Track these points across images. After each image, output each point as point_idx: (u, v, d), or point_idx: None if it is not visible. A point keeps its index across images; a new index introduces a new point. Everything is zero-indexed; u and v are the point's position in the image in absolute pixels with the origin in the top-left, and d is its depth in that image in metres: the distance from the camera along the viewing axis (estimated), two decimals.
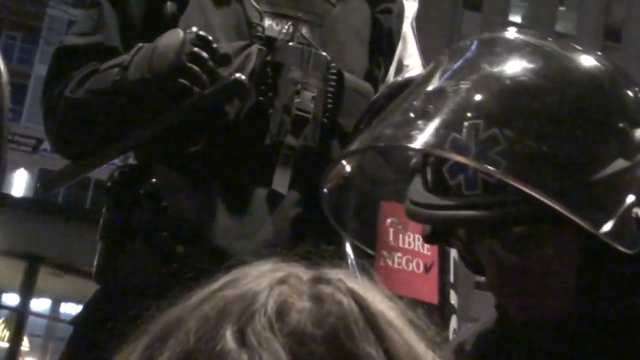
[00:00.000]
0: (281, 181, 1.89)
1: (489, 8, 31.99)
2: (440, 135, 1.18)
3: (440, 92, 1.25)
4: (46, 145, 31.67)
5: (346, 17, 2.09)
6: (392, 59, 2.12)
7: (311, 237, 1.85)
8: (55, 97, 1.95)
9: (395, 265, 1.74)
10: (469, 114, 1.18)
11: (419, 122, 1.22)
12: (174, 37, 1.80)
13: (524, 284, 1.27)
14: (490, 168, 1.13)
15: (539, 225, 1.23)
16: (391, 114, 1.30)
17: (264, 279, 0.79)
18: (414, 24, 2.20)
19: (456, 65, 1.29)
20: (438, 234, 1.37)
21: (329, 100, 1.95)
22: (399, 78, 2.00)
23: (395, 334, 0.77)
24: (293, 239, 1.87)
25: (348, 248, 1.62)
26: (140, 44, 1.86)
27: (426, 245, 1.75)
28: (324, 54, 1.96)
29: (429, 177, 1.30)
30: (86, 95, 1.89)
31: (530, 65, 1.22)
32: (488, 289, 1.32)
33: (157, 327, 0.78)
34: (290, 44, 1.95)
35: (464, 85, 1.23)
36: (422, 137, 1.19)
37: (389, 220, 1.74)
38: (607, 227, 1.13)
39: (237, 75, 1.79)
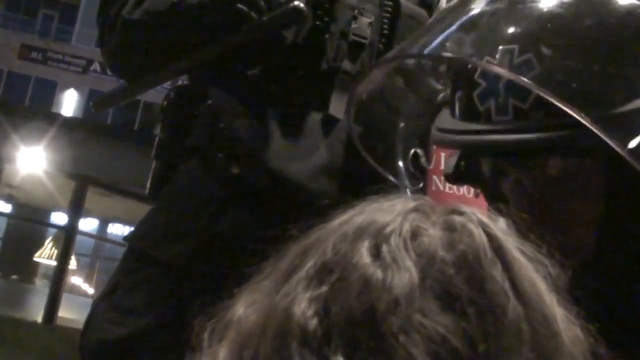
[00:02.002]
0: (338, 106, 1.89)
1: None
2: (476, 56, 1.18)
3: (476, 15, 1.22)
4: (96, 66, 31.86)
5: None
6: None
7: (363, 161, 1.88)
8: (112, 17, 1.95)
9: (447, 190, 1.75)
10: (504, 38, 1.16)
11: (458, 39, 1.21)
12: None
13: (546, 223, 1.22)
14: (527, 81, 1.11)
15: (567, 156, 1.21)
16: (426, 30, 1.28)
17: (399, 207, 0.82)
18: None
19: None
20: (461, 171, 1.35)
21: (385, 26, 1.95)
22: (450, 4, 1.99)
23: (521, 268, 0.79)
24: (347, 163, 1.90)
25: (402, 170, 1.62)
26: None
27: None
28: None
29: (457, 105, 1.29)
30: (143, 17, 1.89)
31: None
32: None
33: (296, 248, 0.82)
34: None
35: (500, 8, 1.21)
36: (461, 53, 1.19)
37: (439, 167, 1.74)
38: (633, 144, 1.10)
39: (296, 2, 1.79)
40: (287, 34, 1.86)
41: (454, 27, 1.22)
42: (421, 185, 1.61)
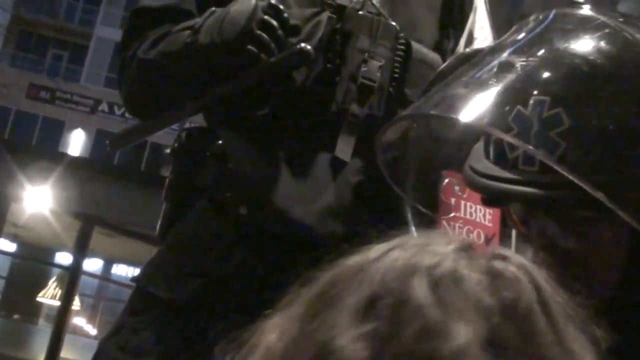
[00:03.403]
0: (344, 148, 1.90)
1: None
2: (505, 107, 1.16)
3: (507, 65, 1.22)
4: (104, 106, 31.98)
5: None
6: (462, 31, 2.11)
7: (371, 204, 1.87)
8: (129, 57, 1.99)
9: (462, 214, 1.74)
10: (536, 90, 1.16)
11: (483, 92, 1.20)
12: (246, 4, 1.81)
13: (569, 265, 1.24)
14: (531, 148, 1.12)
15: (593, 211, 1.20)
16: (453, 83, 1.28)
17: (440, 248, 0.79)
18: None
19: (527, 39, 1.26)
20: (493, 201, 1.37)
21: (396, 70, 1.95)
22: (467, 50, 1.99)
23: (564, 322, 0.77)
24: (354, 206, 1.90)
25: (409, 215, 1.62)
26: (213, 8, 1.87)
27: (488, 216, 1.75)
28: (394, 23, 1.96)
29: (491, 146, 1.29)
30: (157, 57, 1.92)
31: (606, 49, 1.19)
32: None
33: (328, 277, 0.79)
34: (360, 12, 1.94)
35: (534, 60, 1.20)
36: (482, 109, 1.18)
37: (451, 188, 1.74)
38: None
39: (303, 45, 1.80)
40: (296, 75, 1.87)
41: (480, 84, 1.22)
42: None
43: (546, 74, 1.19)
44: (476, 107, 1.20)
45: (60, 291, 15.31)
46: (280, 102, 1.89)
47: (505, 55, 1.25)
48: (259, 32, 1.79)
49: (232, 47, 1.80)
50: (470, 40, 2.11)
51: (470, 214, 1.76)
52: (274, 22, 1.81)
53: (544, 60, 1.21)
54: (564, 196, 1.18)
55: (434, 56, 2.01)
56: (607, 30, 1.21)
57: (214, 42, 1.81)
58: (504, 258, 0.79)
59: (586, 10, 1.28)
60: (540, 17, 1.30)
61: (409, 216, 1.59)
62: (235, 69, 1.83)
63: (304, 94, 1.90)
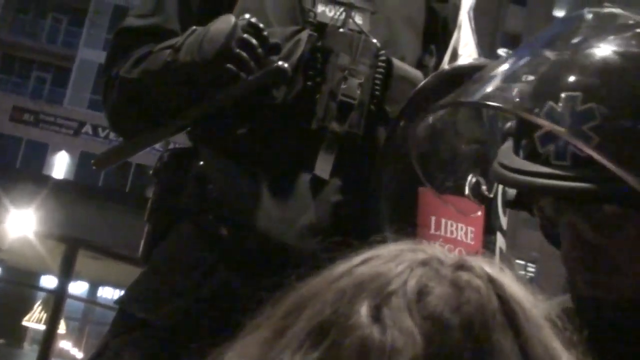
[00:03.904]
0: (323, 167, 1.90)
1: (534, 2, 31.79)
2: (537, 101, 1.18)
3: (541, 60, 1.23)
4: (88, 128, 31.95)
5: (400, 4, 2.09)
6: (446, 48, 2.11)
7: (351, 223, 1.87)
8: (113, 77, 2.00)
9: (439, 232, 1.73)
10: (568, 85, 1.18)
11: (517, 85, 1.21)
12: (225, 23, 1.82)
13: (599, 261, 1.26)
14: (581, 143, 1.12)
15: (624, 207, 1.22)
16: (490, 74, 1.28)
17: (404, 259, 0.78)
18: (471, 14, 2.19)
19: (561, 35, 1.27)
20: (522, 202, 1.37)
21: (376, 87, 1.95)
22: (447, 67, 1.99)
23: (533, 330, 0.75)
24: (334, 225, 1.89)
25: (388, 234, 1.62)
26: (194, 27, 1.88)
27: (470, 235, 1.74)
28: (374, 41, 1.96)
29: (521, 143, 1.29)
30: (139, 76, 1.93)
31: (638, 46, 1.20)
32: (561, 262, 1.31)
33: (292, 299, 0.79)
34: (341, 30, 1.95)
35: (567, 55, 1.22)
36: (518, 101, 1.19)
37: (429, 208, 1.73)
38: None
39: (280, 63, 1.82)
40: (276, 93, 1.87)
41: (514, 78, 1.23)
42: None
43: (579, 70, 1.20)
44: (512, 98, 1.20)
45: (45, 315, 15.23)
46: (260, 120, 1.90)
47: (540, 50, 1.26)
48: (238, 50, 1.80)
49: (211, 66, 1.81)
50: (454, 56, 2.11)
51: (451, 232, 1.75)
52: (254, 41, 1.82)
53: (576, 55, 1.21)
54: (594, 190, 1.18)
55: (415, 73, 2.01)
56: (638, 30, 1.23)
57: (194, 61, 1.82)
58: (469, 268, 0.78)
59: (618, 10, 1.29)
60: (576, 14, 1.32)
61: (388, 235, 1.58)
62: (215, 87, 1.83)
63: (284, 112, 1.90)
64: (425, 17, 2.14)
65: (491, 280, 0.77)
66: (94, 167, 2.03)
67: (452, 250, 1.73)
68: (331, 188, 1.91)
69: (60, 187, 13.28)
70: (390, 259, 0.78)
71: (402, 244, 0.82)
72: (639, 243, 1.24)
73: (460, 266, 0.78)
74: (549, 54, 1.23)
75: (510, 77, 1.24)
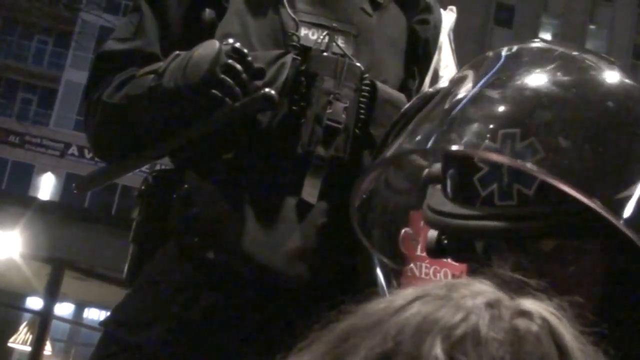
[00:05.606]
0: (310, 191, 1.90)
1: (520, 25, 31.94)
2: (473, 143, 1.15)
3: (472, 100, 1.22)
4: (74, 149, 31.89)
5: (382, 27, 2.09)
6: (427, 70, 2.12)
7: (338, 247, 1.87)
8: (94, 101, 1.99)
9: (423, 276, 1.73)
10: (504, 123, 1.16)
11: (453, 129, 1.19)
12: (210, 48, 1.81)
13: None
14: (530, 167, 1.10)
15: (568, 241, 1.21)
16: (422, 123, 1.27)
17: (469, 301, 0.77)
18: (451, 35, 2.19)
19: (488, 74, 1.25)
20: (444, 247, 1.35)
21: (362, 111, 1.95)
22: (430, 89, 2.00)
23: None
24: (321, 249, 1.89)
25: (376, 260, 1.61)
26: (177, 52, 1.87)
27: None
28: (358, 64, 1.96)
29: (449, 186, 1.28)
30: (122, 101, 1.92)
31: (567, 78, 1.19)
32: None
33: (347, 326, 0.78)
34: (325, 54, 1.95)
35: (498, 94, 1.20)
36: (460, 141, 1.17)
37: (415, 230, 1.73)
38: None
39: (267, 90, 1.80)
40: (261, 118, 1.87)
41: (451, 115, 1.21)
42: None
43: (514, 106, 1.18)
44: (456, 139, 1.18)
45: (31, 336, 15.15)
46: (246, 146, 1.89)
47: (470, 90, 1.24)
48: (222, 76, 1.79)
49: (196, 92, 1.80)
50: (435, 78, 2.12)
51: None
52: (238, 66, 1.81)
53: (509, 92, 1.20)
54: (548, 226, 1.17)
55: (399, 96, 2.01)
56: (560, 61, 1.22)
57: (178, 86, 1.81)
58: (528, 315, 0.78)
59: (540, 44, 1.29)
60: (498, 52, 1.30)
61: (376, 260, 1.59)
62: (200, 113, 1.83)
63: (269, 137, 1.90)
64: (407, 39, 2.14)
65: (552, 331, 0.77)
66: (75, 191, 2.03)
67: (438, 271, 1.74)
68: (317, 212, 1.90)
69: (46, 209, 13.24)
70: (453, 300, 0.77)
71: (474, 282, 0.81)
72: (583, 278, 1.23)
73: (521, 312, 0.78)
74: (479, 94, 1.22)
75: (445, 122, 1.21)
